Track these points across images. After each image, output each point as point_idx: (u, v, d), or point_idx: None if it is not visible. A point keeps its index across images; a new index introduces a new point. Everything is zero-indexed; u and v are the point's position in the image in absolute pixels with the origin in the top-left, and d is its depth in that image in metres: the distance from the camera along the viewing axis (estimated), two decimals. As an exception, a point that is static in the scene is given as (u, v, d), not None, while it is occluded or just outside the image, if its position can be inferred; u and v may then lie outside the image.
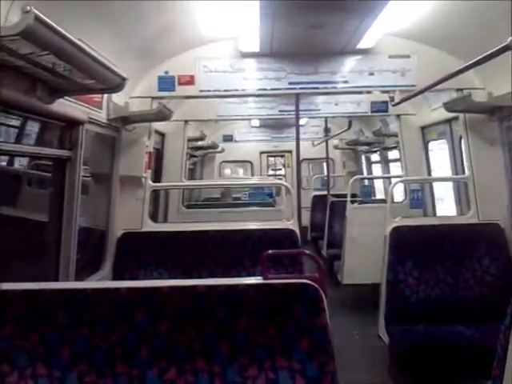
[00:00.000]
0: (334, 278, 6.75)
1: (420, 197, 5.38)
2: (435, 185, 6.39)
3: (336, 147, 11.49)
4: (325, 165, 10.01)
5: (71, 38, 2.06)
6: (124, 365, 1.76)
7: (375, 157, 9.97)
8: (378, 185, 9.87)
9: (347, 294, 6.28)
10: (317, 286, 1.85)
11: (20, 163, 5.52)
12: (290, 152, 12.60)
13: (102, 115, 3.51)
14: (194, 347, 1.79)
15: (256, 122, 9.66)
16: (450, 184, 5.98)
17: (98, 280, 3.73)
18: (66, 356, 1.76)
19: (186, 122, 6.24)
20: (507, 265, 4.02)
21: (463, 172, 5.01)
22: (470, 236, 4.11)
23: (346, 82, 4.15)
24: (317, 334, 1.80)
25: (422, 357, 3.48)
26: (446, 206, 6.75)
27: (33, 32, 1.79)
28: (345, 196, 6.75)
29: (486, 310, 3.96)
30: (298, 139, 4.75)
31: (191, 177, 9.61)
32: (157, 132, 5.35)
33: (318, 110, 6.61)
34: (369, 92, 4.68)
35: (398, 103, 4.59)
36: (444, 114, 4.78)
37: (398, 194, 7.36)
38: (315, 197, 10.33)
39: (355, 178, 8.71)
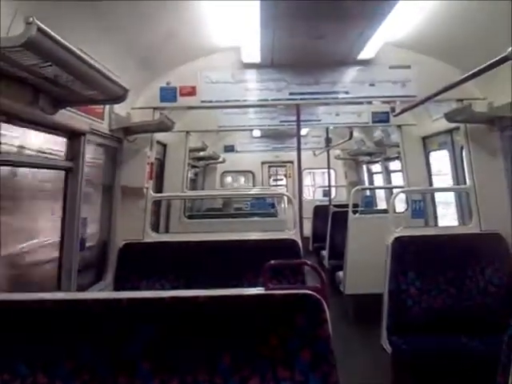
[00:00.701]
0: (336, 288, 6.73)
1: (422, 207, 5.37)
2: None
3: (337, 157, 11.51)
4: (326, 175, 10.01)
5: (74, 49, 2.08)
6: (126, 376, 1.75)
7: (377, 167, 9.97)
8: (380, 195, 9.86)
9: (349, 305, 6.26)
10: (319, 296, 1.85)
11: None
12: (291, 162, 12.63)
13: (103, 126, 3.52)
14: (196, 358, 1.78)
15: (257, 133, 9.68)
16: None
17: (99, 290, 3.72)
18: (67, 367, 1.76)
19: (188, 132, 6.26)
20: (510, 275, 4.01)
21: (465, 182, 5.01)
22: (472, 246, 4.10)
23: (346, 92, 4.16)
24: (319, 345, 1.79)
25: (424, 367, 3.46)
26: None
27: (35, 43, 1.80)
28: (346, 206, 6.75)
29: (489, 321, 3.94)
30: (299, 149, 4.75)
31: (193, 187, 9.61)
32: (158, 143, 5.36)
33: (319, 120, 6.63)
34: (369, 102, 4.70)
35: (399, 113, 4.60)
36: (445, 124, 4.79)
37: (400, 204, 7.36)
38: (317, 207, 10.33)
39: (357, 188, 8.72)
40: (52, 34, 1.87)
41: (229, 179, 13.46)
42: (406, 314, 3.97)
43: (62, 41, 1.96)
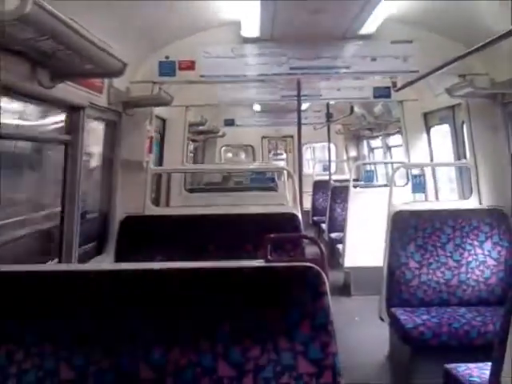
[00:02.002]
0: (336, 261, 6.78)
1: (422, 181, 5.38)
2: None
3: (338, 132, 11.47)
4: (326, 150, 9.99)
5: (71, 23, 2.05)
6: (128, 344, 1.79)
7: (377, 142, 9.94)
8: (381, 171, 9.86)
9: (348, 277, 6.32)
10: (319, 268, 1.86)
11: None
12: (291, 137, 12.58)
13: (102, 100, 3.51)
14: (197, 328, 1.81)
15: (258, 107, 9.62)
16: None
17: (100, 263, 3.76)
18: (71, 336, 1.79)
19: (187, 107, 6.22)
20: (509, 249, 4.04)
21: (465, 157, 5.01)
22: (471, 220, 4.12)
23: (347, 67, 4.12)
24: (319, 316, 1.82)
25: (422, 339, 3.51)
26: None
27: (31, 17, 1.78)
28: (346, 181, 6.75)
29: (487, 294, 3.99)
30: (299, 124, 4.73)
31: (193, 161, 9.60)
32: (158, 117, 5.34)
33: (320, 95, 6.58)
34: (372, 76, 4.65)
35: (400, 88, 4.57)
36: (447, 100, 4.76)
37: (401, 178, 7.37)
38: (317, 181, 10.34)
39: (358, 163, 8.72)
40: (49, 7, 1.84)
41: (229, 155, 13.45)
42: (405, 287, 4.02)
43: (59, 14, 1.94)
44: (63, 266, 2.80)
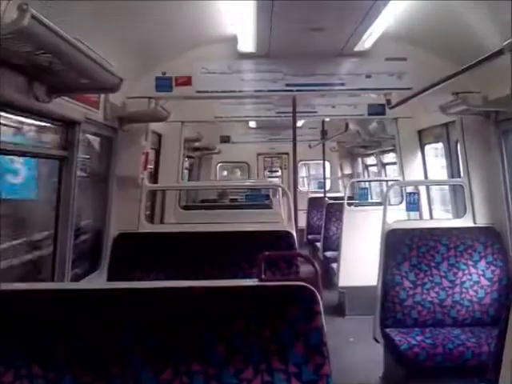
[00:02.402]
0: (330, 280, 6.75)
1: (416, 200, 5.38)
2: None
3: (333, 150, 11.51)
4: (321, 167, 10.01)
5: (68, 37, 2.06)
6: (119, 366, 1.76)
7: (372, 160, 9.98)
8: (377, 189, 9.88)
9: (343, 297, 6.28)
10: (313, 288, 1.85)
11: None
12: (287, 154, 12.62)
13: (99, 115, 3.50)
14: (190, 349, 1.78)
15: (253, 124, 9.66)
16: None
17: (93, 281, 3.72)
18: (61, 357, 1.76)
19: (183, 122, 6.23)
20: (503, 269, 4.03)
21: (459, 175, 5.03)
22: (465, 239, 4.11)
23: (342, 84, 4.15)
24: (312, 337, 1.80)
25: (417, 360, 3.48)
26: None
27: (29, 31, 1.78)
28: (341, 198, 6.74)
29: (481, 314, 3.97)
30: (294, 141, 4.75)
31: (188, 178, 9.60)
32: (154, 133, 5.34)
33: (315, 112, 6.61)
34: (367, 93, 4.69)
35: (395, 106, 4.60)
36: (441, 118, 4.79)
37: (395, 197, 7.38)
38: (312, 199, 10.35)
39: (352, 180, 8.73)
40: (46, 21, 1.84)
41: (225, 173, 13.48)
42: (399, 307, 4.00)
43: (57, 28, 1.94)
44: (55, 285, 2.77)
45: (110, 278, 3.79)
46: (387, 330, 3.93)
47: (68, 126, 3.14)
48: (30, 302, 1.82)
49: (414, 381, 3.57)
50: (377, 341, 4.13)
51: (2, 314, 1.79)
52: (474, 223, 4.31)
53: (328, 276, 6.92)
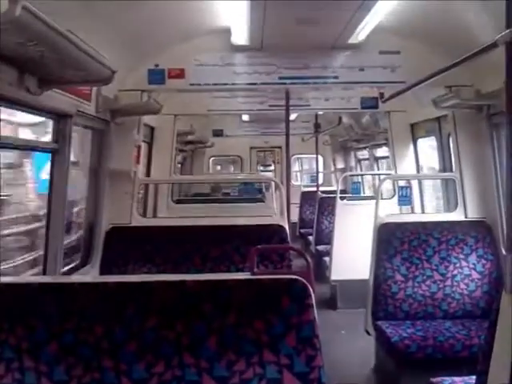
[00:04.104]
0: (323, 274, 6.77)
1: (408, 194, 5.41)
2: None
3: (326, 143, 11.52)
4: (314, 161, 10.03)
5: (60, 28, 2.04)
6: (111, 359, 1.76)
7: (364, 154, 10.00)
8: (369, 182, 9.92)
9: (335, 290, 6.31)
10: (305, 281, 1.85)
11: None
12: (279, 148, 12.62)
13: (90, 108, 3.48)
14: (182, 342, 1.79)
15: (246, 117, 9.65)
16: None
17: (85, 274, 3.71)
18: (53, 350, 1.76)
19: (176, 115, 6.21)
20: (493, 262, 4.06)
21: (451, 169, 5.05)
22: (457, 233, 4.14)
23: (336, 77, 4.15)
24: (304, 329, 1.81)
25: (408, 352, 3.50)
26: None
27: (21, 22, 1.77)
28: (334, 192, 6.76)
29: (471, 307, 4.01)
30: (287, 134, 4.75)
31: (181, 172, 9.58)
32: (146, 125, 5.32)
33: (308, 105, 6.61)
34: (360, 86, 4.69)
35: (388, 99, 4.61)
36: (433, 112, 4.80)
37: (388, 190, 7.40)
38: (304, 193, 10.37)
39: (345, 174, 8.75)
40: (37, 12, 1.83)
41: (218, 167, 13.47)
42: (391, 300, 4.02)
43: (48, 20, 1.92)
44: (46, 278, 2.76)
45: (102, 272, 3.79)
46: (379, 322, 3.95)
47: (60, 118, 3.12)
48: (21, 296, 1.81)
49: (404, 372, 3.60)
50: (368, 333, 4.15)
51: None
52: (466, 217, 4.34)
53: (320, 270, 6.95)
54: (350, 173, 10.19)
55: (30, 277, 1.83)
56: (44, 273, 3.20)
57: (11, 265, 4.86)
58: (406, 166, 6.25)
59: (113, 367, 1.75)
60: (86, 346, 1.77)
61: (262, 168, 13.58)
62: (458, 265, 4.08)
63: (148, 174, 6.00)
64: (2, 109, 2.62)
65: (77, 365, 1.75)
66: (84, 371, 1.74)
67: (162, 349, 1.77)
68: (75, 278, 3.07)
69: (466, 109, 4.11)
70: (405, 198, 5.33)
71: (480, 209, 4.30)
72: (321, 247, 7.74)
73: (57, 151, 3.14)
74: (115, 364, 1.75)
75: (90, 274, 3.73)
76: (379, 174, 8.15)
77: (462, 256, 4.09)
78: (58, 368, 1.74)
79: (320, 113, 7.86)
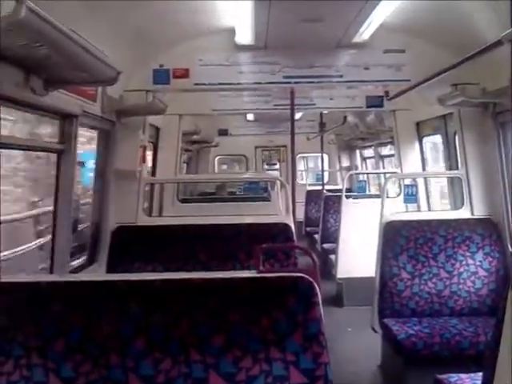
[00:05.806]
0: (329, 272, 6.77)
1: (414, 192, 5.40)
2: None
3: (331, 142, 11.51)
4: (319, 160, 10.03)
5: (65, 29, 2.05)
6: (118, 356, 1.77)
7: (370, 152, 9.99)
8: (374, 181, 9.90)
9: (341, 288, 6.31)
10: (311, 279, 1.86)
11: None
12: (284, 147, 12.61)
13: (96, 108, 3.49)
14: (189, 339, 1.80)
15: (251, 116, 9.65)
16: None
17: (92, 273, 3.73)
18: (60, 347, 1.77)
19: (181, 115, 6.22)
20: (500, 259, 4.05)
21: (457, 167, 5.03)
22: (463, 231, 4.13)
23: (341, 76, 4.14)
24: (310, 327, 1.81)
25: (414, 349, 3.50)
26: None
27: (26, 23, 1.77)
28: (339, 191, 6.75)
29: (478, 304, 4.00)
30: (292, 133, 4.74)
31: (186, 171, 9.60)
32: (151, 126, 5.33)
33: (313, 104, 6.60)
34: (365, 85, 4.67)
35: (393, 97, 4.60)
36: (439, 110, 4.79)
37: (393, 188, 7.39)
38: (310, 191, 10.36)
39: (350, 173, 8.75)
40: (43, 13, 1.83)
41: (224, 166, 13.49)
42: (397, 298, 4.02)
43: (54, 21, 1.93)
44: (54, 277, 2.77)
45: (108, 271, 3.81)
46: (385, 320, 3.95)
47: (65, 118, 3.14)
48: (29, 294, 1.83)
49: (411, 369, 3.59)
50: (375, 330, 4.15)
51: (1, 305, 1.80)
52: (472, 215, 4.32)
53: (326, 268, 6.95)
54: (355, 171, 10.19)
55: (37, 275, 1.85)
56: (51, 271, 3.22)
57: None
58: (412, 165, 6.24)
59: (120, 364, 1.76)
60: (93, 343, 1.78)
61: (267, 167, 13.58)
62: (464, 262, 4.07)
63: (154, 173, 6.02)
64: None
65: (84, 362, 1.76)
66: (92, 368, 1.75)
67: (168, 346, 1.79)
68: (82, 276, 3.08)
69: (472, 107, 4.10)
70: (411, 197, 5.32)
71: (486, 206, 4.29)
72: (327, 245, 7.74)
73: (63, 152, 3.16)
74: (122, 361, 1.76)
75: (97, 273, 3.75)
76: (384, 173, 8.14)
77: (468, 254, 4.08)
78: (66, 365, 1.75)
79: (325, 112, 7.85)
